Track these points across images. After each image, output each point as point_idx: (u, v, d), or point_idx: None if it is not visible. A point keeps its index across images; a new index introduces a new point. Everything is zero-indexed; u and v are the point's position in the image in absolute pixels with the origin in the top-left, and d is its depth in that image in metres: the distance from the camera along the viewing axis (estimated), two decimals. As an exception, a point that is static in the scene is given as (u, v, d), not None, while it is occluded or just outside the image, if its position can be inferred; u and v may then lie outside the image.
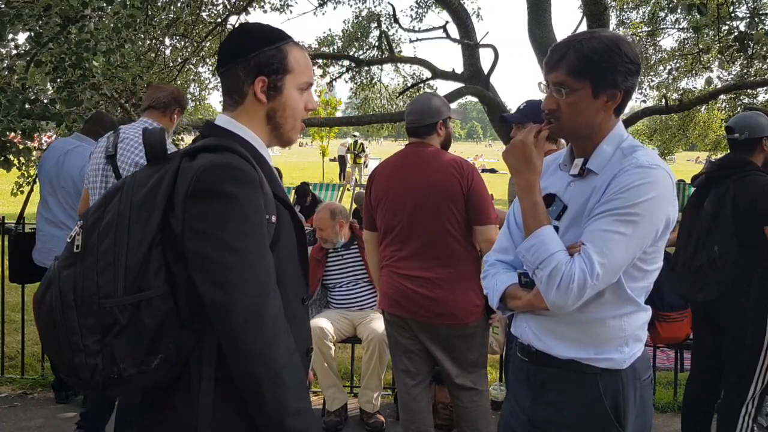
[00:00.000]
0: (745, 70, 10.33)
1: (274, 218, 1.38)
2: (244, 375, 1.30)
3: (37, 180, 4.13)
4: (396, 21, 11.18)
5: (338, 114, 22.47)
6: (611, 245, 1.54)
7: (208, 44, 10.32)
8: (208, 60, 11.21)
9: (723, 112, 14.43)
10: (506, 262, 1.83)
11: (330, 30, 12.88)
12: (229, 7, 10.35)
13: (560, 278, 1.54)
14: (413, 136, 3.04)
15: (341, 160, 24.57)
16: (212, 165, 1.32)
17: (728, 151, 3.19)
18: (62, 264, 1.35)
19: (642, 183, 1.56)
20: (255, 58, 1.44)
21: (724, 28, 8.29)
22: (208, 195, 1.30)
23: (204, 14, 10.20)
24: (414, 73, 13.42)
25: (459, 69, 9.25)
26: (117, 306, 1.28)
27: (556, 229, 1.67)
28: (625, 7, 12.57)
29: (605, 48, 1.61)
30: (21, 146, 5.29)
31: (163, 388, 1.37)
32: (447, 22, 9.28)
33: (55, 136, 6.47)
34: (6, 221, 4.49)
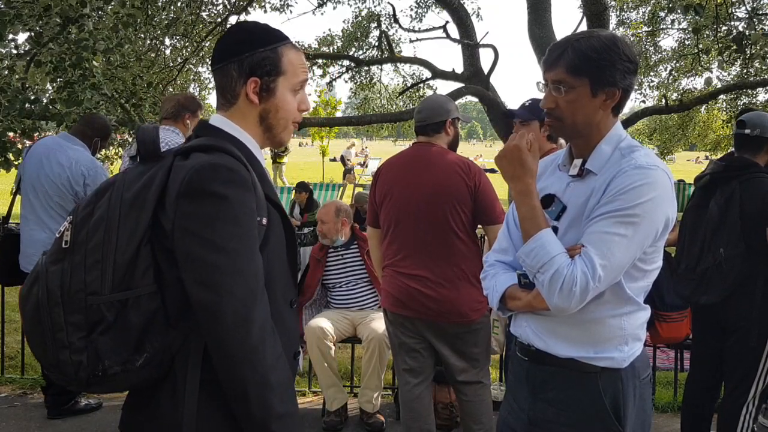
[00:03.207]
0: (744, 71, 10.33)
1: (264, 220, 1.37)
2: (230, 377, 1.29)
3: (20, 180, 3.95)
4: (396, 21, 11.17)
5: (338, 114, 22.48)
6: (612, 247, 1.54)
7: (208, 44, 10.32)
8: (208, 60, 11.21)
9: (723, 112, 14.45)
10: (505, 263, 1.83)
11: (330, 30, 12.89)
12: (229, 7, 10.35)
13: (562, 281, 1.54)
14: (422, 134, 3.04)
15: (342, 160, 24.54)
16: (204, 165, 1.31)
17: (728, 150, 3.17)
18: (50, 259, 1.34)
19: (641, 184, 1.56)
20: (248, 59, 1.43)
21: (723, 28, 8.29)
22: (200, 195, 1.29)
23: (204, 14, 10.20)
24: (414, 73, 13.42)
25: (459, 69, 9.24)
26: (104, 303, 1.28)
27: (556, 229, 1.68)
28: (625, 7, 12.56)
29: (604, 46, 1.62)
30: (20, 146, 5.29)
31: (148, 387, 1.36)
32: (447, 22, 9.26)
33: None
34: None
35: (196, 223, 1.29)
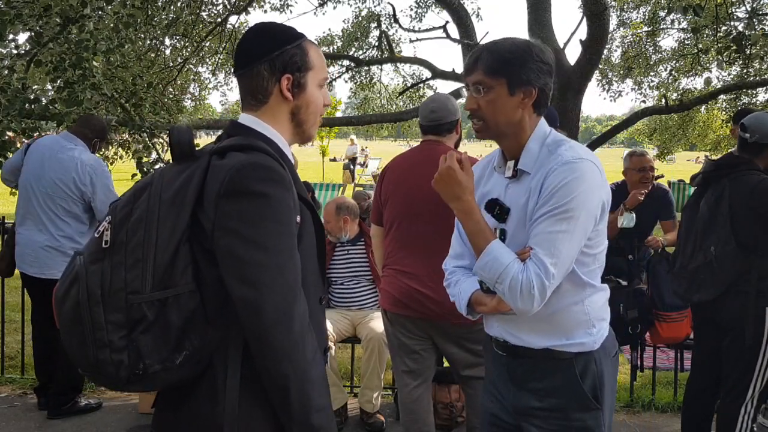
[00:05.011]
0: (744, 71, 10.32)
1: (298, 218, 1.40)
2: (272, 372, 1.31)
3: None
4: (396, 21, 11.16)
5: (338, 114, 22.45)
6: (557, 244, 1.63)
7: (208, 44, 10.33)
8: (208, 60, 11.22)
9: (723, 112, 14.43)
10: (464, 267, 1.93)
11: (330, 30, 12.89)
12: (229, 7, 10.35)
13: (520, 287, 1.62)
14: (433, 134, 3.02)
15: (352, 161, 24.23)
16: (245, 164, 1.33)
17: (728, 150, 3.19)
18: (89, 259, 1.34)
19: (570, 179, 1.64)
20: (279, 57, 1.46)
21: (723, 28, 8.29)
22: (241, 194, 1.31)
23: (204, 14, 10.20)
24: (414, 73, 13.41)
25: (459, 69, 9.24)
26: (144, 302, 1.29)
27: (504, 232, 1.76)
28: (625, 7, 12.56)
29: (517, 48, 1.73)
30: (20, 145, 5.29)
31: (184, 386, 1.37)
32: (447, 22, 9.26)
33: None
34: (6, 221, 4.49)
35: (238, 221, 1.31)
